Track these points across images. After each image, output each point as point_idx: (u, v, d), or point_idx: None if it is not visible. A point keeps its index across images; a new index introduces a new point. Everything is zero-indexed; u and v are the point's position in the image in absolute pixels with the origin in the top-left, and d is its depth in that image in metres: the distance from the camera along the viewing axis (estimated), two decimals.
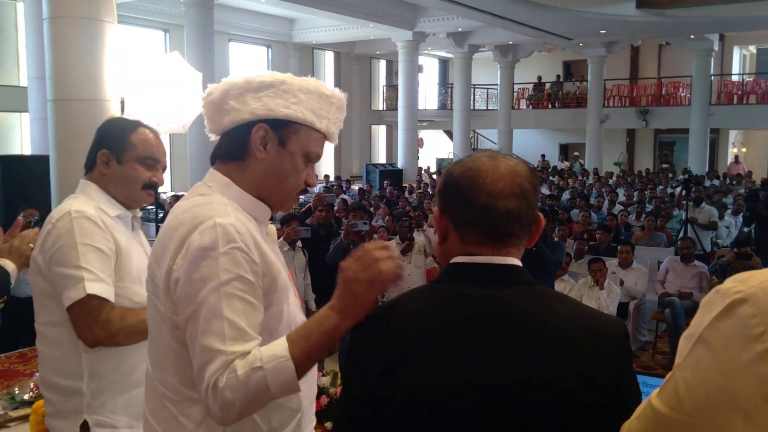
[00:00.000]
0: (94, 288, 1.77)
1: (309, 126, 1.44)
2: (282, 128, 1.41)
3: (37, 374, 2.21)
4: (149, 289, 1.40)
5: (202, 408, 1.28)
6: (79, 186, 2.00)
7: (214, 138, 1.49)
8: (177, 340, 1.32)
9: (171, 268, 1.30)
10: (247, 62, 19.18)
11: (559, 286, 6.22)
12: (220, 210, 1.33)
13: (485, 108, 24.33)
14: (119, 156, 1.96)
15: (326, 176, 18.02)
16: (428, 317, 1.15)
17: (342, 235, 5.51)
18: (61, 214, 1.87)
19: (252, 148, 1.41)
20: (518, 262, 1.18)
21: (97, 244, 1.83)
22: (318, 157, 1.50)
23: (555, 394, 1.05)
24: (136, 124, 2.04)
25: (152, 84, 4.85)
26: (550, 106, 23.37)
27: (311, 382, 1.54)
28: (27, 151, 8.20)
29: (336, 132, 1.51)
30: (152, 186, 2.01)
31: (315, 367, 1.41)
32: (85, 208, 1.87)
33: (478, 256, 1.17)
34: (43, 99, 7.72)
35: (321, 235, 6.00)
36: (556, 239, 6.95)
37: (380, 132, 25.45)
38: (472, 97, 22.06)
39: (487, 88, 24.52)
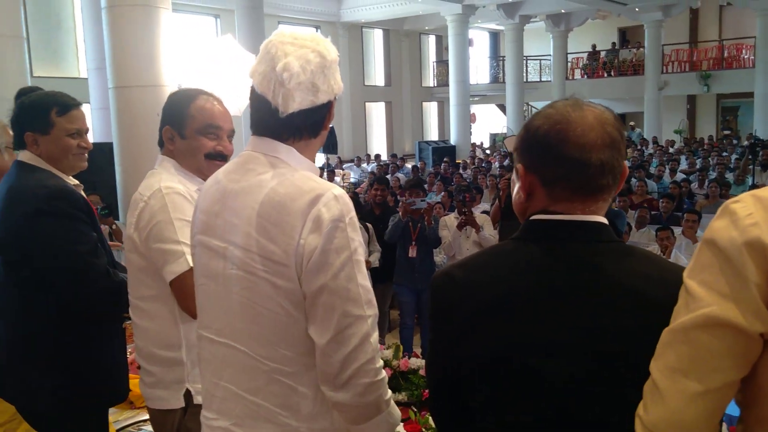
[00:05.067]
0: None
1: None
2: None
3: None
4: (251, 266, 1.37)
5: (326, 369, 1.34)
6: (157, 161, 2.04)
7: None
8: (299, 311, 1.34)
9: (297, 242, 1.31)
10: None
11: None
12: (326, 182, 1.38)
13: (538, 80, 23.87)
14: (181, 130, 1.99)
15: (377, 155, 18.02)
16: (508, 277, 1.15)
17: (400, 213, 5.52)
18: (151, 191, 1.90)
19: (327, 124, 1.47)
20: (603, 219, 1.14)
21: (190, 218, 1.87)
22: None
23: (626, 357, 1.05)
24: (195, 95, 2.03)
25: (207, 68, 4.93)
26: (605, 75, 22.76)
27: None
28: (90, 140, 8.47)
29: None
30: (218, 155, 2.01)
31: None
32: (172, 184, 1.91)
33: (561, 214, 1.14)
34: (103, 88, 7.95)
35: (376, 214, 6.04)
36: (616, 209, 6.82)
37: (432, 108, 25.28)
38: (524, 69, 21.67)
39: (540, 60, 24.03)
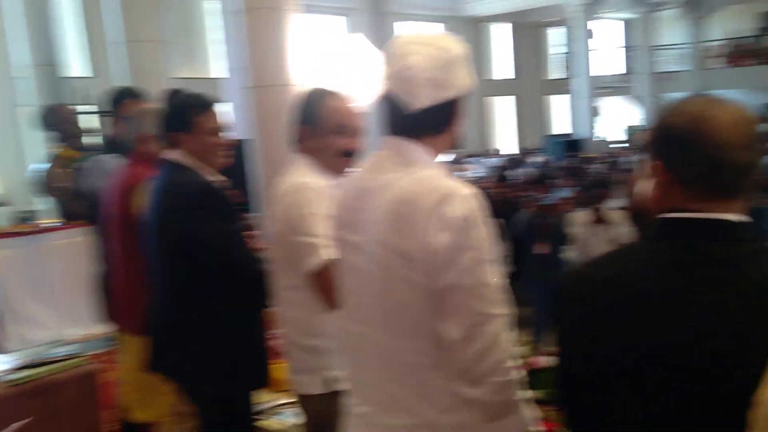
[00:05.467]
0: (331, 254, 1.87)
1: None
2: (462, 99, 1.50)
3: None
4: (387, 261, 1.42)
5: (457, 365, 1.38)
6: (292, 160, 2.16)
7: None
8: (433, 306, 1.38)
9: (426, 239, 1.34)
10: None
11: None
12: (456, 181, 1.41)
13: (672, 70, 22.64)
14: (315, 129, 2.09)
15: (496, 150, 17.74)
16: (638, 275, 1.14)
17: (528, 209, 5.45)
18: (289, 188, 2.05)
19: (455, 121, 1.49)
20: (742, 217, 1.12)
21: (324, 213, 1.97)
22: None
23: (756, 356, 1.02)
24: (327, 94, 2.13)
25: (337, 67, 5.10)
26: (747, 63, 21.22)
27: None
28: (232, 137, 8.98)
29: None
30: (349, 153, 2.10)
31: None
32: (310, 180, 2.03)
33: (696, 212, 1.12)
34: (239, 88, 8.38)
35: (502, 210, 5.94)
36: (762, 206, 6.37)
37: (558, 102, 24.63)
38: (656, 59, 20.65)
39: (675, 48, 22.77)
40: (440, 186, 1.38)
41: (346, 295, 1.58)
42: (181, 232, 2.27)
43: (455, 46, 1.48)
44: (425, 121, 1.47)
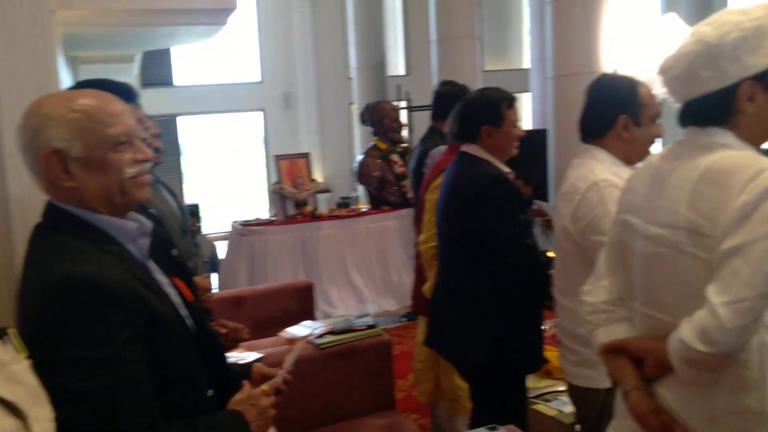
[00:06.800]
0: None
1: None
2: (766, 76, 1.37)
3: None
4: (677, 241, 1.40)
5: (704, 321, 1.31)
6: (584, 152, 2.10)
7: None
8: (707, 281, 1.33)
9: (727, 212, 1.30)
10: None
11: None
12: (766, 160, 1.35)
13: None
14: (637, 118, 2.03)
15: None
16: None
17: None
18: (588, 184, 2.00)
19: (741, 107, 1.39)
20: None
21: None
22: None
23: None
24: (636, 82, 2.07)
25: (650, 50, 4.81)
26: None
27: None
28: (528, 126, 9.06)
29: None
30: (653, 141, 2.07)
31: None
32: (608, 176, 1.98)
33: None
34: (542, 78, 8.39)
35: None
36: None
37: None
38: None
39: None
40: (754, 162, 1.33)
41: (629, 277, 1.57)
42: (469, 221, 2.43)
43: (729, 25, 1.36)
44: (695, 110, 1.44)
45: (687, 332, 1.32)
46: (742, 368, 1.35)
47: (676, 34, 4.65)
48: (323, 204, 9.11)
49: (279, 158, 6.38)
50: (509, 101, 2.52)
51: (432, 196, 3.06)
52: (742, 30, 1.35)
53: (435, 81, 5.95)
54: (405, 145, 6.18)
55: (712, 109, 1.42)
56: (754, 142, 1.43)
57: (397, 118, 6.06)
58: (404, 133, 6.47)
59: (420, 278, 3.31)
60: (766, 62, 1.35)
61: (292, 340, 3.01)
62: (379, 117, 5.97)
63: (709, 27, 1.40)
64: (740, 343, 1.30)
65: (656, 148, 1.85)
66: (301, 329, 3.14)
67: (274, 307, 4.03)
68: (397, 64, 12.54)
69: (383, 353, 2.96)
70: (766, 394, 1.36)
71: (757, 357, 1.35)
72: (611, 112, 2.04)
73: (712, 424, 1.40)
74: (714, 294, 1.29)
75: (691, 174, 1.38)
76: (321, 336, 2.90)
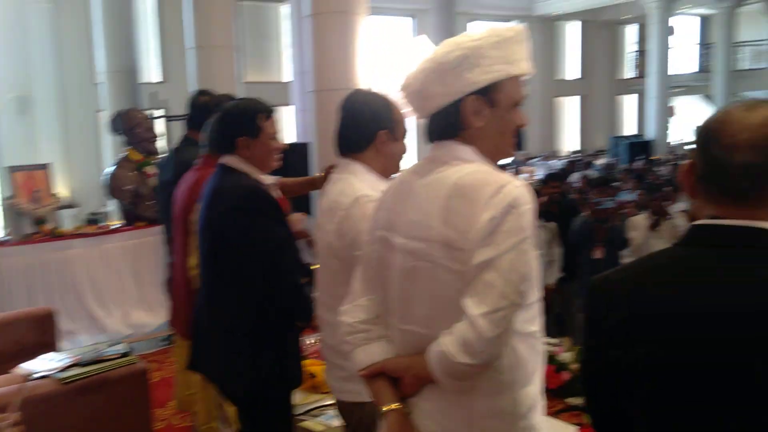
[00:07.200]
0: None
1: (508, 77, 1.48)
2: (488, 92, 1.48)
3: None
4: (432, 255, 1.44)
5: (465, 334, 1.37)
6: (343, 167, 2.10)
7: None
8: (461, 292, 1.39)
9: (476, 226, 1.37)
10: None
11: None
12: (509, 175, 1.45)
13: (753, 68, 21.64)
14: (393, 133, 2.08)
15: (575, 152, 17.46)
16: (660, 282, 1.13)
17: (587, 213, 5.34)
18: (351, 200, 1.99)
19: (468, 121, 1.49)
20: None
21: None
22: (523, 98, 1.55)
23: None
24: (390, 100, 2.10)
25: (402, 69, 5.10)
26: None
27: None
28: (292, 139, 9.15)
29: (529, 64, 1.54)
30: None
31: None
32: (369, 192, 1.98)
33: (720, 219, 1.09)
34: (303, 92, 8.53)
35: (554, 212, 5.84)
36: None
37: (628, 102, 23.95)
38: (736, 56, 19.81)
39: (756, 45, 21.75)
40: (496, 178, 1.41)
41: (386, 294, 1.59)
42: (229, 234, 2.33)
43: (452, 46, 1.48)
44: (435, 125, 1.54)
45: (449, 345, 1.38)
46: (495, 372, 1.44)
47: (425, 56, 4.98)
48: (69, 221, 8.29)
49: (12, 170, 5.70)
50: (267, 113, 2.47)
51: (197, 217, 2.92)
52: (463, 49, 1.46)
53: (193, 90, 5.73)
54: (162, 156, 5.86)
55: (445, 123, 1.52)
56: (493, 157, 1.53)
57: (151, 128, 5.73)
58: (161, 143, 6.15)
59: (180, 300, 3.12)
60: (486, 78, 1.46)
61: (28, 377, 2.65)
62: (131, 126, 5.60)
63: (440, 47, 1.51)
64: (499, 350, 1.38)
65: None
66: (41, 363, 2.78)
67: (7, 340, 3.55)
68: (152, 71, 11.92)
69: (138, 382, 2.74)
70: (518, 395, 1.47)
71: (507, 361, 1.44)
72: (371, 127, 2.07)
73: (470, 428, 1.47)
74: (472, 306, 1.36)
75: (441, 189, 1.45)
76: (65, 369, 2.59)
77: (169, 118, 7.46)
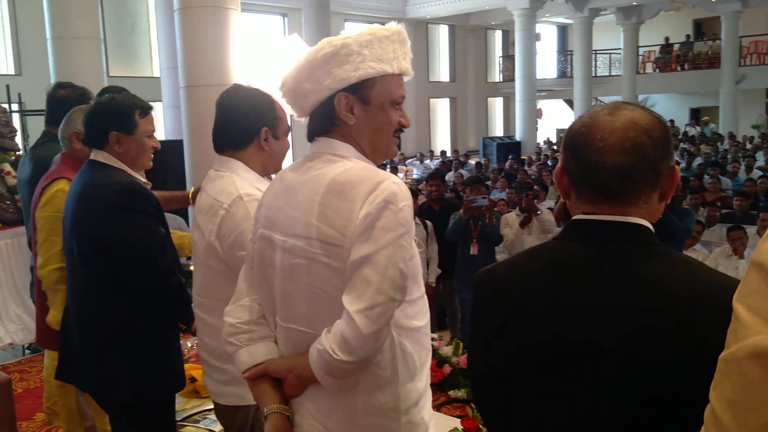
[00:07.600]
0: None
1: (383, 75, 1.49)
2: (359, 89, 1.48)
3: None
4: (311, 252, 1.43)
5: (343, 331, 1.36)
6: (222, 164, 2.03)
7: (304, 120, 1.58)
8: (341, 289, 1.39)
9: (353, 223, 1.37)
10: None
11: (692, 256, 5.94)
12: (386, 172, 1.45)
13: (608, 74, 23.30)
14: (275, 131, 2.04)
15: (443, 152, 17.99)
16: (543, 274, 1.19)
17: (462, 210, 5.50)
18: (231, 199, 1.92)
19: (341, 118, 1.50)
20: (639, 221, 1.15)
21: None
22: (402, 97, 1.57)
23: (648, 354, 1.05)
24: (272, 97, 2.06)
25: (274, 67, 5.03)
26: (679, 68, 22.02)
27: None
28: (161, 137, 8.77)
29: (409, 64, 1.56)
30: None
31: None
32: (249, 190, 1.93)
33: (595, 215, 1.16)
34: (175, 87, 8.21)
35: (434, 210, 6.03)
36: (686, 207, 6.62)
37: (497, 104, 25.03)
38: (593, 63, 21.21)
39: (610, 54, 23.44)
40: (372, 175, 1.41)
41: (268, 293, 1.56)
42: (101, 234, 2.19)
43: (324, 43, 1.48)
44: (313, 124, 1.54)
45: (328, 343, 1.37)
46: (375, 368, 1.44)
47: (297, 54, 4.93)
48: None
49: None
50: (144, 109, 2.35)
51: (44, 213, 2.73)
52: (333, 46, 1.46)
53: (53, 82, 5.35)
54: (20, 153, 5.44)
55: (320, 120, 1.52)
56: (372, 155, 1.54)
57: (8, 122, 5.30)
58: (18, 139, 5.70)
59: (43, 307, 2.90)
60: (355, 75, 1.47)
61: None
62: None
63: (313, 47, 1.51)
64: (377, 346, 1.38)
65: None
66: None
67: None
68: (6, 63, 11.06)
69: (1, 395, 2.51)
70: (399, 390, 1.48)
71: (388, 356, 1.46)
72: (253, 124, 2.02)
73: (353, 425, 1.46)
74: (349, 303, 1.35)
75: (319, 186, 1.44)
76: None
77: (25, 113, 6.93)
